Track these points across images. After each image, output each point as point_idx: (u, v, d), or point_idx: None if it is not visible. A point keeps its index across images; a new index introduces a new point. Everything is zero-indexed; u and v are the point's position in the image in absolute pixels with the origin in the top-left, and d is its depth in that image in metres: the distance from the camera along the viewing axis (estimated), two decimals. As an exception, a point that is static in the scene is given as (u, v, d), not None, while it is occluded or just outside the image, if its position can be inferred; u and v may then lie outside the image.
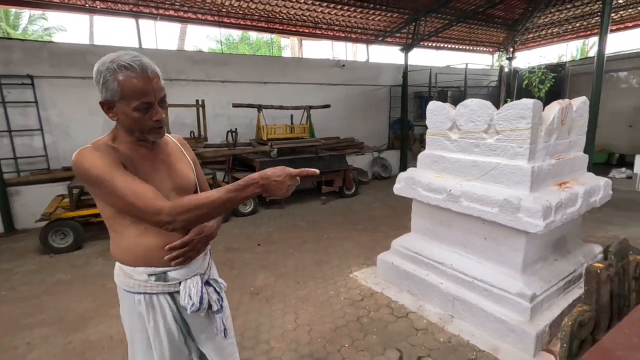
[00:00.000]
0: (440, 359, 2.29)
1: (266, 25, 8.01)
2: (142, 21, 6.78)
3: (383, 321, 2.72)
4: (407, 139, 8.83)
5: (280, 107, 6.55)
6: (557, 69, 9.70)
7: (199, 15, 7.11)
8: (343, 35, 9.02)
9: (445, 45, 10.58)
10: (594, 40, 13.58)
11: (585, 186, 2.60)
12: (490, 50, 11.72)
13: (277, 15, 7.61)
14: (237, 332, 2.33)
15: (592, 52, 12.83)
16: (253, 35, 18.58)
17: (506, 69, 9.66)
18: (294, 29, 8.35)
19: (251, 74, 7.55)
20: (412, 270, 3.05)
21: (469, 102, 2.67)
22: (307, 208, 6.12)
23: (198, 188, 1.40)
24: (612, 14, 8.73)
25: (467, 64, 9.04)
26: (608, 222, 4.97)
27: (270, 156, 5.98)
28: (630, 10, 8.41)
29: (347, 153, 7.80)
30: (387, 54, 10.16)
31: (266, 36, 15.52)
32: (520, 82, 9.90)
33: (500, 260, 2.58)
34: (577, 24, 9.30)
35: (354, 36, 9.22)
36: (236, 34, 18.76)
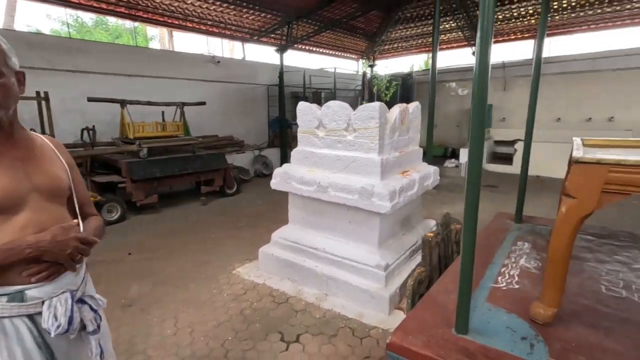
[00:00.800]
0: (316, 332, 2.57)
1: (127, 12, 7.18)
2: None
3: (265, 309, 2.87)
4: (286, 137, 9.21)
5: (149, 103, 6.02)
6: (407, 77, 11.52)
7: (36, -10, 5.93)
8: (217, 30, 8.78)
9: (317, 50, 11.36)
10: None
11: (420, 173, 3.25)
12: (356, 57, 13.11)
13: (140, 2, 6.92)
14: (106, 348, 2.15)
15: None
16: (112, 19, 16.30)
17: (368, 75, 10.98)
18: (161, 19, 7.72)
19: (112, 65, 6.69)
20: (291, 259, 3.29)
21: (331, 103, 3.03)
22: (186, 210, 5.82)
23: (74, 194, 1.26)
24: (442, 36, 10.86)
25: (335, 68, 9.92)
26: (443, 202, 6.23)
27: (140, 156, 5.46)
28: (451, 34, 10.60)
29: (227, 151, 7.68)
30: (263, 54, 10.36)
31: (128, 23, 13.83)
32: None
33: (362, 240, 3.02)
34: (419, 41, 11.20)
35: (229, 33, 9.08)
36: (89, 16, 16.16)
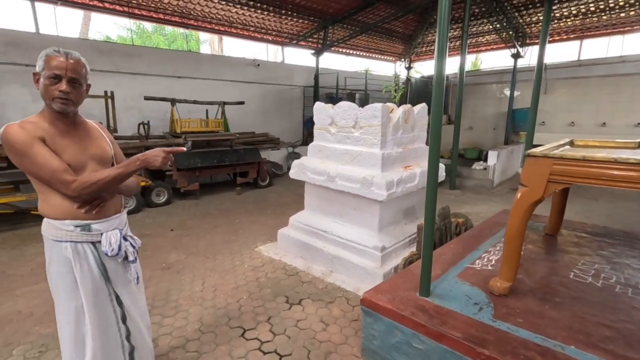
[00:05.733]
0: (316, 299, 2.99)
1: (180, 20, 8.09)
2: (39, 5, 6.39)
3: (277, 279, 3.35)
4: (318, 135, 9.68)
5: (195, 102, 6.80)
6: (427, 80, 11.50)
7: (106, 4, 6.93)
8: (259, 36, 9.50)
9: (354, 52, 11.74)
10: (474, 56, 16.18)
11: (423, 168, 3.55)
12: (393, 59, 13.29)
13: (192, 12, 7.77)
14: (149, 298, 2.75)
15: (481, 66, 15.33)
16: (169, 26, 17.85)
17: (402, 77, 11.17)
18: (209, 26, 8.57)
19: (164, 68, 7.61)
20: (304, 239, 3.75)
21: (342, 104, 3.44)
22: (222, 198, 6.51)
23: (114, 161, 1.77)
24: (480, 38, 10.76)
25: (367, 71, 10.27)
26: (464, 202, 6.35)
27: (185, 148, 6.20)
28: (490, 36, 10.45)
29: (262, 147, 8.33)
30: (300, 57, 10.94)
31: (182, 29, 15.14)
32: (415, 87, 11.52)
33: (364, 225, 3.40)
34: (456, 43, 11.15)
35: (270, 38, 9.76)
36: (149, 24, 17.83)
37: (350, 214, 3.50)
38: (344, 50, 11.43)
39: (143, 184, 5.56)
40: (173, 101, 6.48)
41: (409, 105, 3.49)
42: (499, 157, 7.56)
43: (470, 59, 14.71)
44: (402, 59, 12.86)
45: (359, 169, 3.32)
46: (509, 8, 8.85)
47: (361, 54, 11.98)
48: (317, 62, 9.81)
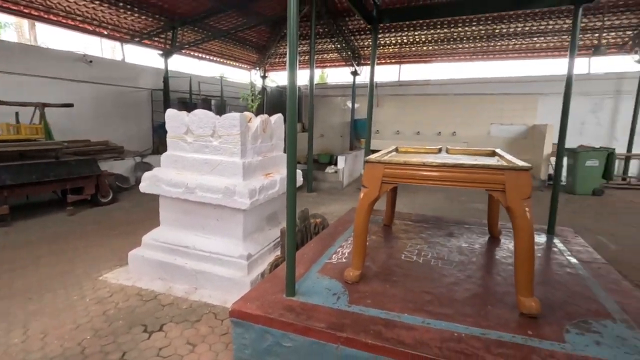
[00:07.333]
0: (180, 320, 2.78)
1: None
2: None
3: (131, 308, 2.95)
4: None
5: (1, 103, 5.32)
6: (282, 90, 12.32)
7: None
8: (90, 28, 8.12)
9: (207, 57, 11.33)
10: (326, 71, 17.88)
11: (282, 175, 3.75)
12: (248, 67, 13.44)
13: (-14, -14, 6.06)
14: None
15: (327, 80, 16.92)
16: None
17: (258, 85, 11.45)
18: (14, 7, 6.82)
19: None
20: (161, 259, 3.42)
21: (197, 111, 3.31)
22: (47, 222, 5.28)
23: None
24: (325, 55, 12.00)
25: (222, 77, 10.12)
26: (321, 203, 6.97)
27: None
28: (334, 54, 11.80)
29: (102, 158, 7.16)
30: (147, 57, 9.89)
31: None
32: (271, 96, 11.96)
33: (229, 235, 3.35)
34: (306, 57, 12.11)
35: (105, 32, 8.48)
36: None
37: (213, 226, 3.39)
38: (196, 54, 10.91)
39: None
40: (-40, 100, 4.90)
41: (266, 115, 3.63)
42: (346, 161, 8.60)
43: (318, 72, 16.18)
44: (257, 68, 13.16)
45: (220, 178, 3.26)
46: (346, 32, 10.19)
47: (215, 59, 11.68)
48: (165, 63, 9.06)
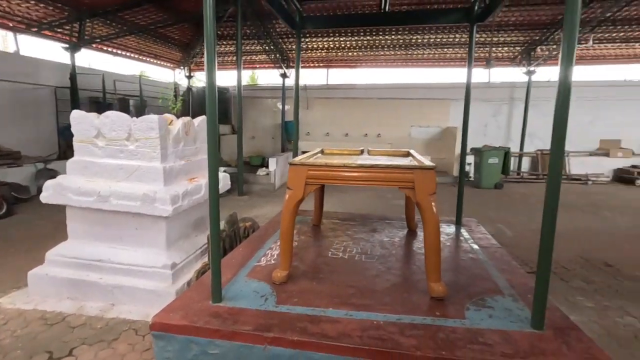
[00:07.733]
0: (94, 341, 2.54)
1: None
2: None
3: (32, 334, 2.61)
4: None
5: None
6: (224, 91, 11.97)
7: None
8: (-29, 13, 6.95)
9: (123, 53, 10.43)
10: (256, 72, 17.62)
11: (207, 179, 3.63)
12: (171, 66, 12.69)
13: None
14: None
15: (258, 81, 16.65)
16: None
17: (183, 85, 10.88)
18: None
19: None
20: (70, 276, 3.08)
21: (109, 113, 3.05)
22: None
23: None
24: (253, 56, 11.88)
25: (141, 75, 9.42)
26: (253, 206, 6.88)
27: None
28: (263, 56, 11.73)
29: (-9, 165, 6.17)
30: (50, 50, 8.71)
31: None
32: (197, 96, 11.45)
33: (150, 244, 3.15)
34: (233, 58, 11.85)
35: (-9, 19, 7.32)
36: None
37: (131, 236, 3.15)
38: (110, 50, 9.97)
39: None
40: None
41: (188, 118, 3.49)
42: (277, 163, 8.61)
43: (247, 73, 15.90)
44: (182, 67, 12.49)
45: (138, 185, 3.04)
46: (274, 34, 10.20)
47: (133, 55, 10.80)
48: (72, 58, 8.12)
